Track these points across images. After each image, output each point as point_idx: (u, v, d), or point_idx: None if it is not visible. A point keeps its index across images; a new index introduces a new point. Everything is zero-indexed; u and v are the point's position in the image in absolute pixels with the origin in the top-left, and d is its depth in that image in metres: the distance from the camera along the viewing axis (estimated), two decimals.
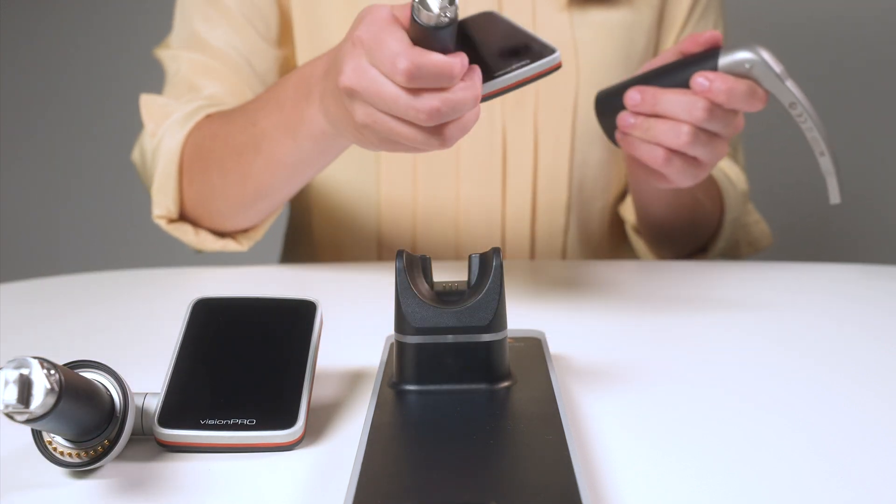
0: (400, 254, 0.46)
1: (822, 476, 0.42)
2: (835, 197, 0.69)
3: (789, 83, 0.67)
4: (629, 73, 0.94)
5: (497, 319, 0.45)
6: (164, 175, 0.83)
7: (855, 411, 0.49)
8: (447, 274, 0.82)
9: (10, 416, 0.36)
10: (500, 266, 0.46)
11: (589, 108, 0.91)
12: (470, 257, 0.48)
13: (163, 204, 0.84)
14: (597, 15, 0.92)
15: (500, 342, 0.46)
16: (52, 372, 0.36)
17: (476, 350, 0.45)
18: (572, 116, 0.91)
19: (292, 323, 0.49)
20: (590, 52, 0.91)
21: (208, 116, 0.82)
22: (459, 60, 0.55)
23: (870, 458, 0.43)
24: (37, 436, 0.42)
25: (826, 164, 0.68)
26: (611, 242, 1.01)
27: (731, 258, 0.96)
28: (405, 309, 0.45)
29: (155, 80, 1.03)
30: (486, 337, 0.45)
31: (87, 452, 0.41)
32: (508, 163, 0.92)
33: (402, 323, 0.46)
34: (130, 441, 0.44)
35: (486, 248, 0.98)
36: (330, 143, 0.71)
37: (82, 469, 0.42)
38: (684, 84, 0.67)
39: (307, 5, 0.91)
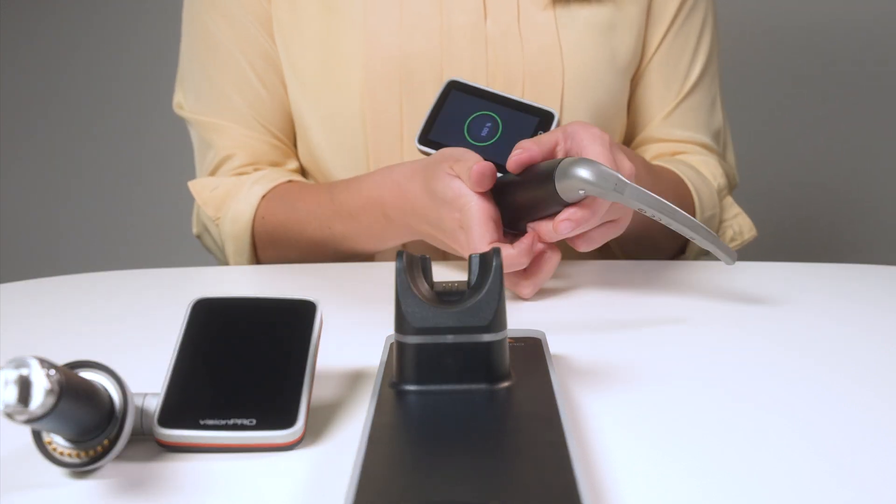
0: (400, 254, 0.46)
1: (822, 476, 0.42)
2: (727, 260, 0.68)
3: (628, 191, 0.62)
4: (614, 73, 0.93)
5: (497, 319, 0.45)
6: (238, 254, 0.94)
7: (855, 411, 0.49)
8: (447, 274, 0.82)
9: (9, 416, 0.36)
10: (500, 266, 0.46)
11: (574, 107, 0.91)
12: (470, 257, 0.48)
13: (236, 254, 0.96)
14: (581, 12, 0.91)
15: (500, 342, 0.46)
16: (52, 372, 0.36)
17: (476, 350, 0.45)
18: (558, 116, 0.91)
19: (292, 323, 0.49)
20: (575, 51, 0.91)
21: (265, 198, 0.92)
22: (526, 250, 0.69)
23: (870, 458, 0.43)
24: (36, 436, 0.42)
25: (701, 242, 0.66)
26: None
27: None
28: (405, 309, 0.45)
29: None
30: (486, 337, 0.45)
31: (86, 452, 0.41)
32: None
33: (402, 323, 0.46)
34: (130, 441, 0.44)
35: None
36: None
37: (82, 469, 0.42)
38: (537, 204, 0.68)
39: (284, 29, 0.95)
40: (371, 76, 0.90)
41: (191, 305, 0.50)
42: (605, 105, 0.93)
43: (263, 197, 0.92)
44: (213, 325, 0.49)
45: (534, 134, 0.77)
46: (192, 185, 0.97)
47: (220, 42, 0.96)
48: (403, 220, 0.79)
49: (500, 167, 0.72)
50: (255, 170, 0.97)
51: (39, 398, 0.35)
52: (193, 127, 0.99)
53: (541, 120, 0.79)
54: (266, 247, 0.94)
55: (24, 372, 0.35)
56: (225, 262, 0.98)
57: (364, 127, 0.91)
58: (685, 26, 0.98)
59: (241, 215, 0.92)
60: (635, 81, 0.99)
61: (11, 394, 0.35)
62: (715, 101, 1.02)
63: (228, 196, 0.94)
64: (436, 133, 0.80)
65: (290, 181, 0.94)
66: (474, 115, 0.80)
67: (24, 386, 0.35)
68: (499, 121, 0.79)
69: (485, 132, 0.79)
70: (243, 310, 0.50)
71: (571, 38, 0.91)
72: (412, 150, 0.92)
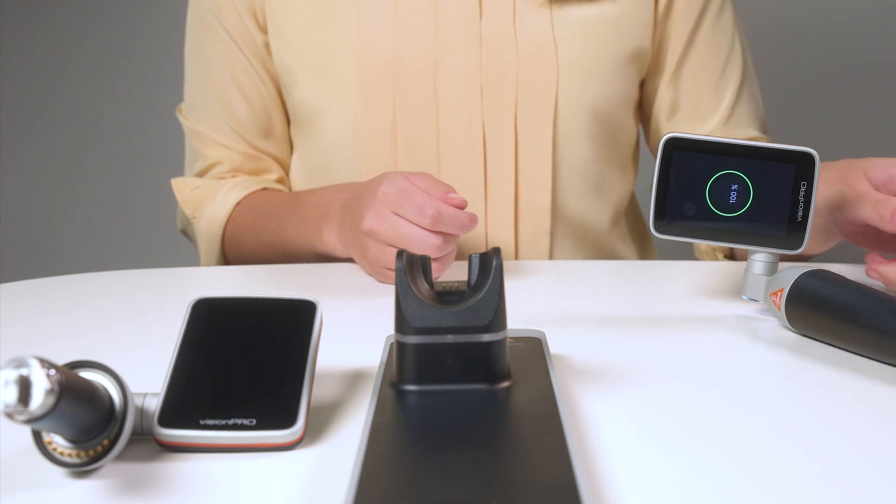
0: (400, 254, 0.46)
1: (820, 476, 0.42)
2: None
3: None
4: (612, 70, 0.93)
5: (497, 319, 0.45)
6: (208, 253, 0.99)
7: (854, 411, 0.49)
8: (447, 274, 0.82)
9: (9, 416, 0.36)
10: (500, 266, 0.46)
11: (570, 107, 0.91)
12: (470, 257, 0.48)
13: (208, 260, 1.01)
14: (577, 11, 0.91)
15: (500, 342, 0.46)
16: (52, 372, 0.36)
17: (476, 350, 0.45)
18: (553, 116, 0.91)
19: (292, 323, 0.49)
20: (570, 50, 0.91)
21: (240, 204, 0.97)
22: (469, 216, 0.72)
23: (869, 458, 0.43)
24: (36, 436, 0.42)
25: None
26: (604, 243, 1.00)
27: None
28: (405, 309, 0.45)
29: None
30: (486, 337, 0.45)
31: (86, 452, 0.41)
32: (489, 164, 0.92)
33: (402, 323, 0.46)
34: (130, 441, 0.44)
35: (469, 251, 0.99)
36: (339, 255, 0.85)
37: (82, 469, 0.42)
38: None
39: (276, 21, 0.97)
40: (364, 74, 0.91)
41: (191, 305, 0.50)
42: (602, 103, 0.93)
43: (238, 203, 0.97)
44: (213, 325, 0.49)
45: (795, 188, 0.63)
46: (175, 183, 1.02)
47: (208, 59, 1.00)
48: (341, 215, 0.82)
49: (755, 237, 0.64)
50: (234, 176, 1.01)
51: (39, 398, 0.35)
52: (186, 133, 1.04)
53: (798, 167, 0.63)
54: (231, 248, 0.98)
55: (24, 372, 0.35)
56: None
57: (357, 125, 0.92)
58: (719, 24, 0.97)
59: (216, 218, 0.97)
60: (668, 79, 0.98)
61: (11, 394, 0.35)
62: (757, 93, 1.02)
63: (206, 197, 0.99)
64: (672, 212, 0.65)
65: (265, 189, 0.98)
66: (714, 177, 0.64)
67: (24, 386, 0.35)
68: (746, 179, 0.64)
69: (733, 198, 0.64)
70: (243, 310, 0.50)
71: (567, 36, 0.91)
72: (405, 149, 0.92)
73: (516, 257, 0.95)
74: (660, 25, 0.96)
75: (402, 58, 0.90)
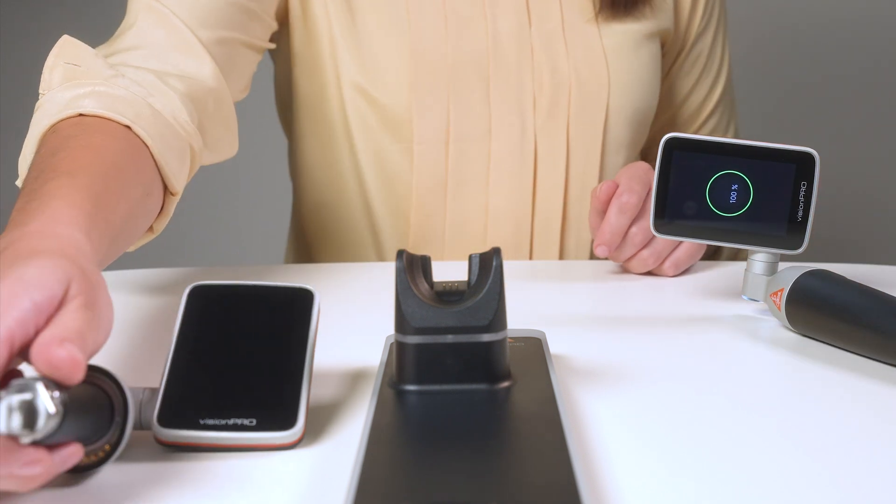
0: (400, 254, 0.46)
1: (820, 476, 0.42)
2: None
3: None
4: (653, 81, 0.95)
5: (497, 319, 0.45)
6: (24, 155, 0.71)
7: (854, 411, 0.49)
8: (451, 274, 0.82)
9: (14, 438, 0.36)
10: (500, 266, 0.46)
11: (616, 116, 0.92)
12: (470, 257, 0.48)
13: (22, 175, 0.70)
14: (623, 26, 0.93)
15: (500, 342, 0.46)
16: (57, 394, 0.36)
17: (476, 350, 0.45)
18: (603, 126, 0.92)
19: (290, 313, 0.48)
20: (618, 59, 0.92)
21: (81, 118, 0.67)
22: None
23: (869, 458, 0.43)
24: None
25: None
26: None
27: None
28: (405, 309, 0.45)
29: None
30: (486, 337, 0.45)
31: (87, 457, 0.41)
32: (539, 174, 0.91)
33: (402, 323, 0.46)
34: (130, 440, 0.44)
35: (515, 260, 0.97)
36: None
37: (82, 473, 0.42)
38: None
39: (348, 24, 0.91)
40: (418, 77, 0.89)
41: (187, 292, 0.49)
42: (643, 112, 0.95)
43: (82, 115, 0.67)
44: (210, 314, 0.48)
45: (796, 188, 0.63)
46: (62, 42, 0.75)
47: None
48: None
49: (755, 237, 0.65)
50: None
51: (43, 422, 0.36)
52: (130, 8, 0.87)
53: (798, 167, 0.63)
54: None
55: (28, 397, 0.36)
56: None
57: (410, 132, 0.90)
58: (713, 47, 1.01)
59: (44, 116, 0.68)
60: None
61: (17, 421, 0.35)
62: (731, 119, 1.06)
63: (67, 83, 0.70)
64: (672, 211, 0.65)
65: (127, 127, 0.66)
66: (714, 177, 0.64)
67: (30, 412, 0.36)
68: (747, 179, 0.64)
69: (733, 198, 0.64)
70: (240, 298, 0.49)
71: (615, 46, 0.92)
72: (457, 154, 0.90)
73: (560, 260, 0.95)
74: (680, 36, 0.99)
75: (457, 63, 0.89)
